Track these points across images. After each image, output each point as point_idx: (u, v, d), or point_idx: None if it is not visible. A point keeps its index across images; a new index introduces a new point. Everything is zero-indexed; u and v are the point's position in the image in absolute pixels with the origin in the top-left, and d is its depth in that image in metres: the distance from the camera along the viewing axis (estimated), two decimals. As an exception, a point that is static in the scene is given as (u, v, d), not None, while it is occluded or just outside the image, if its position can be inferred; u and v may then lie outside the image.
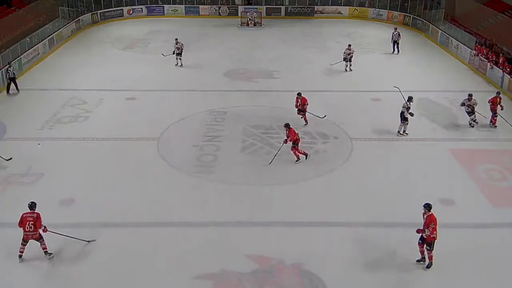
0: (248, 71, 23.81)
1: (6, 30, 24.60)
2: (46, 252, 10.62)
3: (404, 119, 16.43)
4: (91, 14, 33.49)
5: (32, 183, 13.70)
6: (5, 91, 20.30)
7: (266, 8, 36.79)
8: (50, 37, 26.86)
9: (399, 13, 35.06)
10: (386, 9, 35.92)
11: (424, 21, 32.22)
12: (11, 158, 14.60)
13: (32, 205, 10.53)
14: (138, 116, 18.20)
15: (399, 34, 26.84)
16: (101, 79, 22.26)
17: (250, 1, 37.18)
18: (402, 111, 16.37)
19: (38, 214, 10.46)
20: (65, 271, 10.35)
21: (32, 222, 10.32)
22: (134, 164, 14.78)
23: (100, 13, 34.27)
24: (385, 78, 22.54)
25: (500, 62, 21.88)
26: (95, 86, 21.24)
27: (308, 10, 37.18)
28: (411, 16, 33.96)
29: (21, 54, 23.15)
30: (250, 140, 16.35)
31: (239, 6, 36.78)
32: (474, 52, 24.38)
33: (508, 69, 21.16)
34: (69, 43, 28.88)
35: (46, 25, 27.50)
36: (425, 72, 24.00)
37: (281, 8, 37.24)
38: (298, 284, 10.05)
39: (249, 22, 34.22)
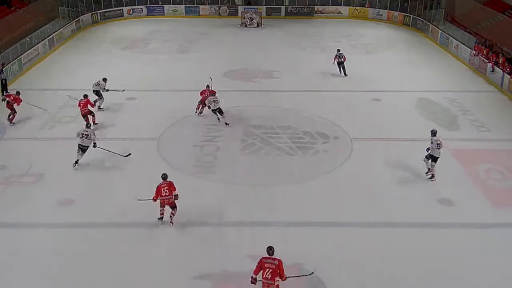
0: (248, 71, 23.79)
1: (6, 30, 24.57)
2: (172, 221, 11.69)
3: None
4: (91, 14, 33.45)
5: (32, 183, 13.69)
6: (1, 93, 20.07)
7: (266, 8, 36.77)
8: (50, 37, 26.82)
9: (399, 13, 35.06)
10: (386, 9, 35.91)
11: (424, 21, 32.21)
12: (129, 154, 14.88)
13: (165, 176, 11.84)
14: (138, 116, 18.20)
15: (343, 56, 22.82)
16: (101, 79, 22.18)
17: (250, 1, 37.18)
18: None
19: (171, 182, 11.70)
20: (64, 270, 10.34)
21: (167, 188, 11.60)
22: (134, 164, 14.76)
23: (100, 13, 34.24)
24: (385, 78, 22.59)
25: (500, 62, 21.89)
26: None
27: (308, 10, 37.17)
28: (411, 16, 33.95)
29: (21, 54, 23.11)
30: (250, 140, 16.34)
31: (239, 6, 36.76)
32: (474, 52, 24.38)
33: (508, 69, 21.16)
34: (69, 43, 28.85)
35: (46, 25, 27.48)
36: (425, 72, 23.99)
37: (281, 8, 37.22)
38: (298, 284, 10.04)
39: (249, 22, 34.20)
